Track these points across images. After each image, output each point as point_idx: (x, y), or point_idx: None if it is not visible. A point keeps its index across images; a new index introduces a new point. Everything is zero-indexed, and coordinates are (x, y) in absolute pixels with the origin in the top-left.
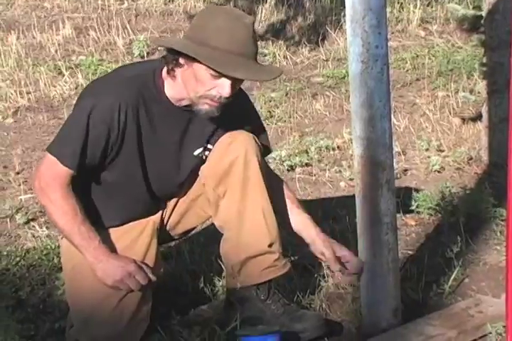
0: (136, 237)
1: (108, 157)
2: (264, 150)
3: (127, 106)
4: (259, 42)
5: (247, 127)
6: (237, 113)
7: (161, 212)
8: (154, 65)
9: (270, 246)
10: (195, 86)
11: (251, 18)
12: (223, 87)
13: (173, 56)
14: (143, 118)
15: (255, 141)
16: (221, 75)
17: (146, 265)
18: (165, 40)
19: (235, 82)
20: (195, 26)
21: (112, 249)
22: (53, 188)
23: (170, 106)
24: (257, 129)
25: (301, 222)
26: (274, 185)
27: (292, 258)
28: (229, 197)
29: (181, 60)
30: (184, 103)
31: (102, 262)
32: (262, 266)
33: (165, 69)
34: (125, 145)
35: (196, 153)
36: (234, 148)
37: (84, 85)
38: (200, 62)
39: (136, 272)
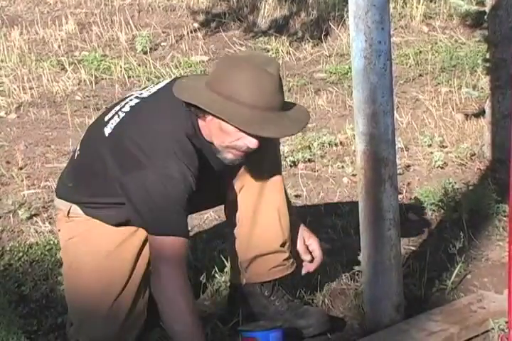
0: (134, 230)
1: None
2: None
3: (193, 168)
4: (262, 38)
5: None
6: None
7: None
8: (188, 117)
9: (282, 245)
10: (220, 136)
11: (274, 64)
12: (250, 140)
13: (201, 110)
14: (200, 167)
15: (278, 139)
16: None
17: None
18: (189, 92)
19: None
20: (219, 78)
21: (106, 233)
22: (174, 282)
23: (210, 148)
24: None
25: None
26: None
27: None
28: (245, 193)
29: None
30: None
31: None
32: (270, 265)
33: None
34: None
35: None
36: None
37: (87, 80)
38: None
39: None
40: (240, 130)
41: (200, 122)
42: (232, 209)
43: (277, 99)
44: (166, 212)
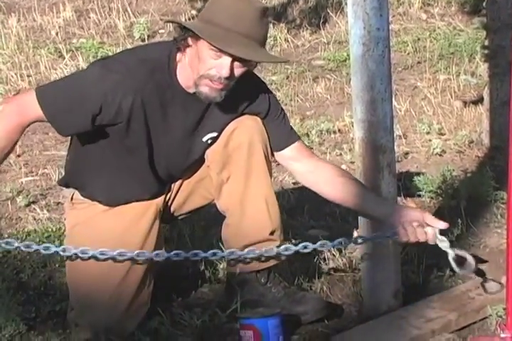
0: (139, 217)
1: (96, 131)
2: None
3: (135, 91)
4: None
5: (267, 118)
6: (257, 104)
7: (165, 194)
8: (169, 48)
9: (272, 234)
10: (197, 65)
11: (263, 3)
12: (222, 67)
13: (182, 35)
14: (152, 102)
15: (261, 126)
16: (220, 53)
17: None
18: (176, 19)
19: (234, 63)
20: (205, 7)
21: (111, 225)
22: (14, 118)
23: (183, 93)
24: (279, 122)
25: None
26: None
27: (293, 241)
28: (232, 183)
29: (189, 40)
30: (192, 90)
31: None
32: None
33: (178, 52)
34: (132, 127)
35: (205, 138)
36: (238, 133)
37: (85, 68)
38: (203, 39)
39: None
40: (211, 45)
41: (181, 65)
42: (221, 200)
43: (255, 29)
44: (61, 88)
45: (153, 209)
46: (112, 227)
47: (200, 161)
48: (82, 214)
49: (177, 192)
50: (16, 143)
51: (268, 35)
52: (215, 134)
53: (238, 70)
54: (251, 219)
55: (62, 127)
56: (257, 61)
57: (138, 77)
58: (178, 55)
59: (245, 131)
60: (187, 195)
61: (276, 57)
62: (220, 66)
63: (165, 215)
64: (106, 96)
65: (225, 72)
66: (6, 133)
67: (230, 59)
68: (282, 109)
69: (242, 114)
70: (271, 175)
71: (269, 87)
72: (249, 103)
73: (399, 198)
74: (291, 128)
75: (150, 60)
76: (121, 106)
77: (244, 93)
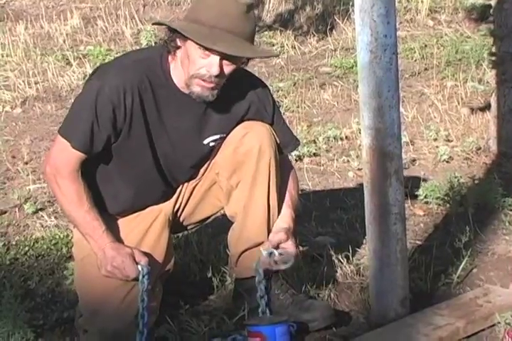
0: (146, 228)
1: (117, 139)
2: (290, 144)
3: (133, 89)
4: (267, 33)
5: (266, 120)
6: (256, 105)
7: (173, 203)
8: (161, 50)
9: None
10: (187, 66)
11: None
12: (211, 65)
13: (170, 36)
14: (149, 102)
15: (271, 132)
16: (207, 51)
17: (148, 255)
18: (163, 21)
19: (223, 61)
20: (190, 7)
21: (120, 237)
22: (62, 174)
23: (178, 93)
24: (277, 123)
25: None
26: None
27: (301, 248)
28: (240, 188)
29: (177, 41)
30: (186, 90)
31: (103, 251)
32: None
33: (169, 54)
34: (133, 129)
35: (207, 141)
36: (248, 139)
37: None
38: (191, 40)
39: (122, 266)
40: (196, 43)
41: (173, 66)
42: (229, 206)
43: (240, 25)
44: (73, 115)
45: (162, 219)
46: (114, 239)
47: (205, 164)
48: None
49: (186, 201)
50: (88, 188)
51: (255, 30)
52: (217, 136)
53: (228, 68)
54: (251, 226)
55: (93, 147)
56: (242, 56)
57: (133, 75)
58: (170, 57)
59: (256, 136)
60: (196, 204)
61: (263, 51)
62: (209, 65)
63: (175, 225)
64: (112, 99)
65: (215, 71)
66: (69, 190)
67: (218, 57)
68: (281, 118)
69: (247, 119)
70: (279, 180)
71: (273, 92)
72: (249, 105)
73: (406, 205)
74: (291, 132)
75: (143, 60)
76: (126, 104)
77: (244, 94)
